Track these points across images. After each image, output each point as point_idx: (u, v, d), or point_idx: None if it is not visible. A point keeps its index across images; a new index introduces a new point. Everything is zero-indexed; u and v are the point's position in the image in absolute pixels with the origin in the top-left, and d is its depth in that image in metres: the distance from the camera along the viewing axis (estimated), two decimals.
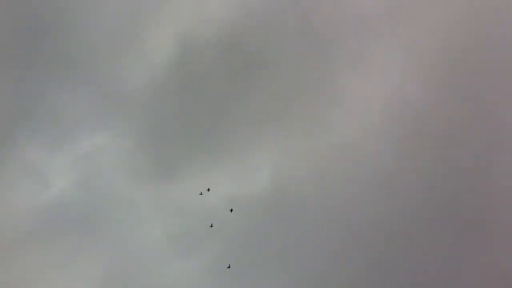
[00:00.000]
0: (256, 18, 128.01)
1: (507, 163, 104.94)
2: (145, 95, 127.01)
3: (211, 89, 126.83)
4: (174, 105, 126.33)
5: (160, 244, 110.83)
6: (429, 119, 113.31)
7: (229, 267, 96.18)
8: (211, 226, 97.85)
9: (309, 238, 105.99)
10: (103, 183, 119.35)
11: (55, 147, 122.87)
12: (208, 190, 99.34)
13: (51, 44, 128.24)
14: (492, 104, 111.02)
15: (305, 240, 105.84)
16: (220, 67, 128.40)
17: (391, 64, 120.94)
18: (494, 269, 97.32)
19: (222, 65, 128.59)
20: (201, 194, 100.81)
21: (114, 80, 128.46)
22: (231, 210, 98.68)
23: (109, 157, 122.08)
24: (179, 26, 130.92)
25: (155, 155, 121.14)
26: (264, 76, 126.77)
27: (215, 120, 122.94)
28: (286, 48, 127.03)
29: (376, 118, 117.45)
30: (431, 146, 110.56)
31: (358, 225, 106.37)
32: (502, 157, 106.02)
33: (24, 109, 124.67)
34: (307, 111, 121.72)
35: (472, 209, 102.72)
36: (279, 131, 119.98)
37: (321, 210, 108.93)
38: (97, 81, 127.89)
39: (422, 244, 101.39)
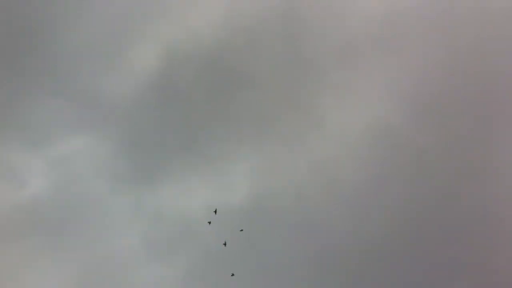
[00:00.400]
0: (242, 35, 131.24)
1: (487, 188, 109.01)
2: (128, 102, 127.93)
3: (194, 100, 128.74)
4: (156, 114, 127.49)
5: (136, 250, 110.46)
6: (407, 145, 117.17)
7: (232, 275, 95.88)
8: (209, 222, 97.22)
9: (284, 251, 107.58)
10: (80, 187, 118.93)
11: (33, 149, 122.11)
12: (215, 212, 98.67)
13: (33, 48, 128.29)
14: (472, 132, 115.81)
15: (280, 252, 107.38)
16: (205, 79, 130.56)
17: (374, 91, 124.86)
18: None
19: (207, 78, 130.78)
20: (209, 223, 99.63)
21: (97, 86, 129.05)
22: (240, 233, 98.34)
23: (87, 161, 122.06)
24: (164, 39, 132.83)
25: (134, 162, 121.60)
26: (247, 92, 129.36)
27: (196, 130, 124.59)
28: (270, 67, 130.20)
29: (355, 141, 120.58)
30: (408, 171, 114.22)
31: (332, 241, 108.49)
32: (480, 182, 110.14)
33: (3, 110, 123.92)
34: (287, 129, 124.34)
35: (451, 232, 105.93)
36: (259, 145, 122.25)
37: (296, 225, 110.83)
38: (79, 86, 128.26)
39: (398, 261, 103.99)
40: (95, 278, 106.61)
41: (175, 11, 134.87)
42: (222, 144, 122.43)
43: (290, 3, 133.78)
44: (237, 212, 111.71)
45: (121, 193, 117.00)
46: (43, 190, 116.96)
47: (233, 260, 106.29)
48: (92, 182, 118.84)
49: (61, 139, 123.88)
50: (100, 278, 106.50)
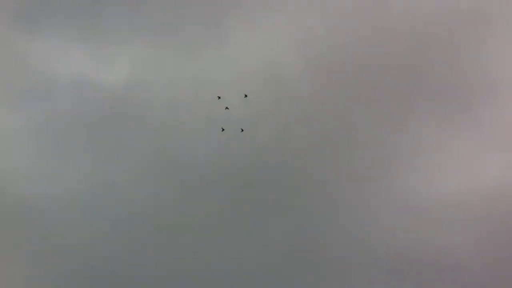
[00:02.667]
0: None
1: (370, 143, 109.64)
2: None
3: None
4: None
5: None
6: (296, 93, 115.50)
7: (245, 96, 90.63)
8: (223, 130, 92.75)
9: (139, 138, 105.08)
10: None
11: None
12: (227, 108, 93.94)
13: None
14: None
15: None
16: None
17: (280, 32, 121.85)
18: None
19: None
20: (227, 108, 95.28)
21: None
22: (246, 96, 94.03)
23: None
24: None
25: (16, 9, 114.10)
26: None
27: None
28: None
29: (248, 76, 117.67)
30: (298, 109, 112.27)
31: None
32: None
33: None
34: (188, 37, 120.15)
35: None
36: (154, 38, 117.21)
37: (160, 122, 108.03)
38: None
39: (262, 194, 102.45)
40: None
41: None
42: (116, 22, 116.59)
43: None
44: (111, 88, 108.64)
45: None
46: None
47: (87, 129, 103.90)
48: None
49: None
50: None
